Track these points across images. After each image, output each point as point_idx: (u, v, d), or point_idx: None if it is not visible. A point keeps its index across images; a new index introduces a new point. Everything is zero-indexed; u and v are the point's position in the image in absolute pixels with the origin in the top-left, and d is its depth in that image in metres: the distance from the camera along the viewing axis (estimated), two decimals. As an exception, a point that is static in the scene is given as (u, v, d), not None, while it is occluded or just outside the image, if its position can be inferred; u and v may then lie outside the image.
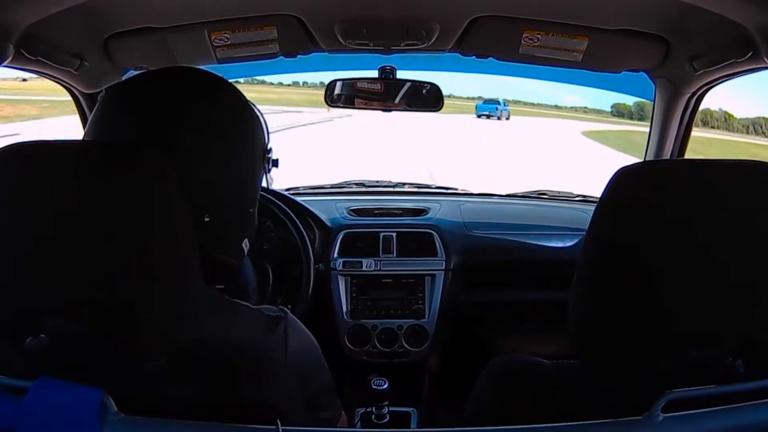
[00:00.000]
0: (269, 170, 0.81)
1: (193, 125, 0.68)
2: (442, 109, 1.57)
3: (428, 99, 1.55)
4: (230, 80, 0.74)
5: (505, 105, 25.15)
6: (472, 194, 2.14)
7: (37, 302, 0.60)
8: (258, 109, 0.79)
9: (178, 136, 0.67)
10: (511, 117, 24.73)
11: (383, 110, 1.57)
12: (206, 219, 0.69)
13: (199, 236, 0.68)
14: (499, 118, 23.63)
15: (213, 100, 0.72)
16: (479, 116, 22.95)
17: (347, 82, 1.54)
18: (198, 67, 0.78)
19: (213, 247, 0.71)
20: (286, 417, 0.67)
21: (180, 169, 0.65)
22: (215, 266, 0.74)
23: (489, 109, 23.89)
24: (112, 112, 0.71)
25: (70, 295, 0.59)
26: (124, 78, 1.48)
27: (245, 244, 0.77)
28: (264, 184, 0.83)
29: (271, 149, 0.80)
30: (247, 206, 0.76)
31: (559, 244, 1.80)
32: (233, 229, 0.74)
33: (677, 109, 1.52)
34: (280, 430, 0.61)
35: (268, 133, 0.81)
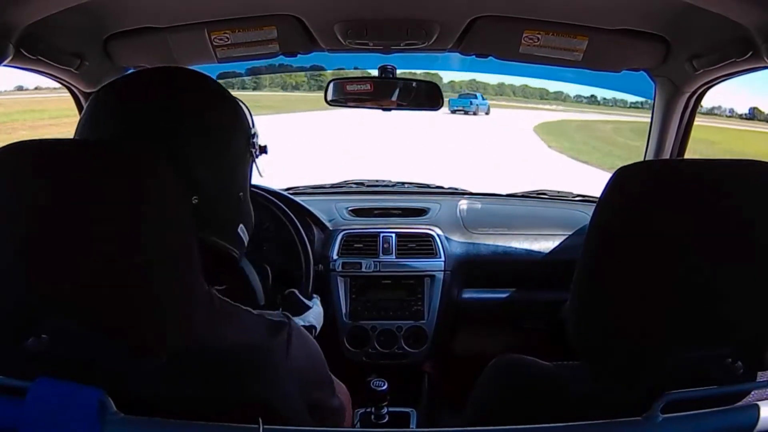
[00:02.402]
0: (257, 156, 0.82)
1: (172, 114, 0.70)
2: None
3: (425, 98, 1.53)
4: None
5: (483, 99, 23.06)
6: (471, 194, 2.14)
7: (36, 302, 0.60)
8: (238, 99, 0.81)
9: (161, 126, 0.69)
10: (492, 111, 22.32)
11: (383, 110, 1.57)
12: (194, 201, 0.70)
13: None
14: (475, 113, 21.60)
15: (191, 93, 0.74)
16: (453, 111, 20.82)
17: (338, 84, 1.54)
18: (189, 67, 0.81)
19: (206, 230, 0.72)
20: (286, 420, 0.67)
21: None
22: (216, 259, 0.74)
23: (463, 104, 21.75)
24: (99, 110, 0.73)
25: (71, 293, 0.59)
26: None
27: (242, 231, 0.78)
28: (255, 171, 0.84)
29: (256, 134, 0.81)
30: (235, 190, 0.77)
31: (559, 245, 1.80)
32: (223, 210, 0.75)
33: (677, 108, 1.52)
34: (262, 429, 0.61)
35: (252, 119, 0.82)
